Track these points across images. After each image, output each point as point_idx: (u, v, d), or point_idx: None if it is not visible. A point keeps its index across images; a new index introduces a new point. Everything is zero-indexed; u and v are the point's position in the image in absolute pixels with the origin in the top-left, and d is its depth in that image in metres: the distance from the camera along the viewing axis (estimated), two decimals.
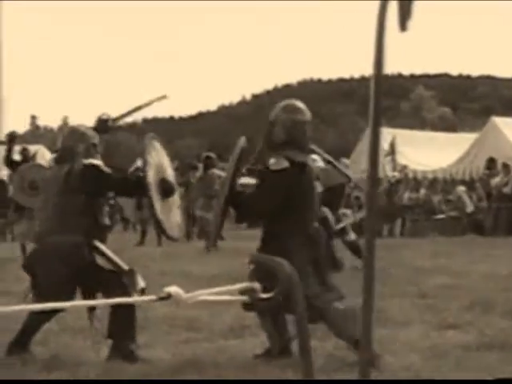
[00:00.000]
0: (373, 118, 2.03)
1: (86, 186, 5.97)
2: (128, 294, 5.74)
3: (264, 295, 2.49)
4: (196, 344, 6.03)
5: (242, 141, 5.92)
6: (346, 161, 16.84)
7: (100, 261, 5.92)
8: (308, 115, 6.07)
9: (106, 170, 6.14)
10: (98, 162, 6.18)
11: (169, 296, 2.40)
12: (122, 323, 5.85)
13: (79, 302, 5.54)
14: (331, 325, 5.75)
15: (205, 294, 2.62)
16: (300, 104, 6.11)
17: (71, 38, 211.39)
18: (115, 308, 5.78)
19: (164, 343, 6.18)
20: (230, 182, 5.83)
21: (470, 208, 21.67)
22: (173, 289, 2.40)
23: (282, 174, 5.68)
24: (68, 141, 6.28)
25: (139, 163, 7.02)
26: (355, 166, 27.77)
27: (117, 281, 5.88)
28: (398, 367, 5.24)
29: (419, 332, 6.61)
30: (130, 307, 5.81)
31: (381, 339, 5.61)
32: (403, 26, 1.97)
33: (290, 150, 5.80)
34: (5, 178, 19.28)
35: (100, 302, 5.82)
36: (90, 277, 5.89)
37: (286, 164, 5.70)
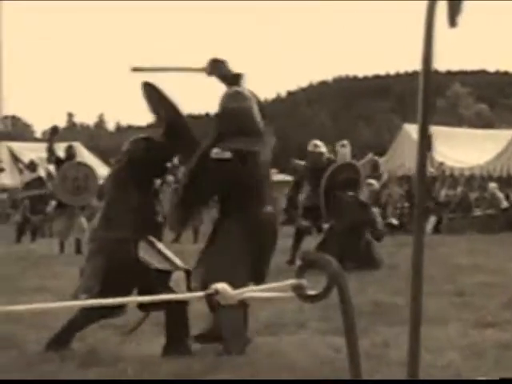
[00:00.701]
0: (421, 114, 2.00)
1: (134, 159, 6.02)
2: (172, 293, 5.78)
3: (311, 292, 2.48)
4: None
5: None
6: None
7: (148, 258, 5.93)
8: (254, 100, 6.05)
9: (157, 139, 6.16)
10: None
11: (216, 292, 2.39)
12: (177, 320, 5.89)
13: (125, 299, 5.54)
14: (217, 325, 5.89)
15: (252, 291, 2.61)
16: (244, 90, 6.08)
17: (96, 35, 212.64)
18: (169, 307, 5.82)
19: None
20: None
21: (504, 204, 21.52)
22: (220, 285, 2.39)
23: (223, 164, 5.73)
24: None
25: None
26: (391, 163, 27.71)
27: (162, 280, 5.90)
28: (438, 366, 5.19)
29: (457, 330, 6.56)
30: (183, 304, 5.84)
31: None
32: (453, 21, 1.95)
33: (236, 140, 5.82)
34: (43, 174, 19.45)
35: (150, 298, 5.82)
36: (136, 275, 5.90)
37: (227, 155, 5.74)
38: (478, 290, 8.92)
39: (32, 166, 19.67)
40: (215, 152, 5.77)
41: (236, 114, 5.89)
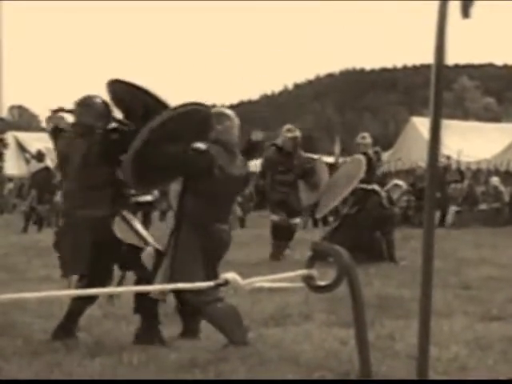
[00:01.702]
0: (433, 107, 1.99)
1: (108, 150, 6.02)
2: (145, 270, 5.88)
3: (322, 282, 2.48)
4: None
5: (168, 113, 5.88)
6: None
7: (122, 234, 5.98)
8: (236, 121, 6.25)
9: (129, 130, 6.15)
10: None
11: (226, 282, 2.39)
12: (150, 307, 6.02)
13: (131, 288, 5.56)
14: (211, 322, 5.95)
15: (262, 281, 2.61)
16: (227, 110, 6.42)
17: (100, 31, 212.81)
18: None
19: (205, 331, 6.18)
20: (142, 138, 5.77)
21: (506, 198, 21.57)
22: (230, 275, 2.40)
23: (202, 155, 5.84)
24: (85, 117, 6.25)
25: None
26: (397, 156, 27.68)
27: (134, 257, 5.95)
28: (444, 359, 5.19)
29: (463, 324, 6.56)
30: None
31: None
32: (466, 12, 1.94)
33: (213, 147, 5.96)
34: (50, 164, 19.48)
35: (159, 287, 5.82)
36: (112, 250, 5.97)
37: (204, 147, 5.86)
38: (483, 283, 8.92)
39: (39, 156, 19.70)
40: (196, 144, 5.89)
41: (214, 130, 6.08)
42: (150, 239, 6.14)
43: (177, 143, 5.80)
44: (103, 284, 5.95)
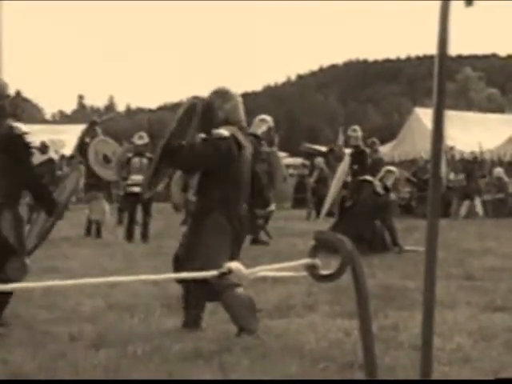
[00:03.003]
0: (436, 97, 1.99)
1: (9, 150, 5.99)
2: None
3: (325, 272, 2.47)
4: None
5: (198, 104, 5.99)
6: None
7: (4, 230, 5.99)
8: (239, 98, 6.25)
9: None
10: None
11: (230, 271, 2.38)
12: None
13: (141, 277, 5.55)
14: (226, 308, 5.91)
15: (265, 270, 2.60)
16: (231, 89, 6.31)
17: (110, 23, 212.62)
18: None
19: (210, 322, 6.19)
20: (171, 131, 5.88)
21: (510, 188, 21.58)
22: (234, 264, 2.39)
23: (222, 142, 5.85)
24: None
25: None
26: (402, 147, 27.65)
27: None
28: (447, 349, 5.19)
29: (466, 314, 6.56)
30: None
31: None
32: (469, 1, 1.94)
33: (228, 127, 5.96)
34: (54, 156, 19.51)
35: (164, 276, 5.83)
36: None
37: (227, 133, 5.86)
38: (487, 274, 8.92)
39: (43, 148, 19.71)
40: (215, 132, 5.90)
41: (222, 108, 6.07)
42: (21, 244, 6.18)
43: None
44: None
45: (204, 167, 5.99)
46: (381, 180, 12.42)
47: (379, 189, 12.13)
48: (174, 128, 5.88)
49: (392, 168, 13.34)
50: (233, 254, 5.87)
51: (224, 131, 5.88)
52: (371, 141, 17.81)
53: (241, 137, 6.00)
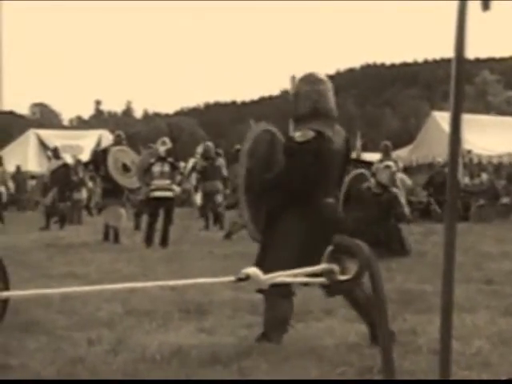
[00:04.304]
0: (454, 101, 1.98)
1: None
2: None
3: (342, 277, 2.47)
4: (259, 328, 6.02)
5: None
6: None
7: None
8: (329, 85, 5.95)
9: None
10: None
11: (247, 277, 2.37)
12: None
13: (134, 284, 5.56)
14: (266, 308, 5.80)
15: (283, 276, 2.59)
16: (321, 75, 6.03)
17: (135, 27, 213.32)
18: None
19: (228, 327, 6.19)
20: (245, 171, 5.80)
21: None
22: (251, 270, 2.38)
23: (309, 145, 5.58)
24: None
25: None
26: (419, 150, 27.57)
27: None
28: (466, 353, 5.17)
29: (485, 318, 6.52)
30: None
31: None
32: (486, 5, 1.93)
33: (315, 122, 5.71)
34: (70, 161, 19.63)
35: (181, 282, 5.85)
36: None
37: (311, 134, 5.59)
38: (506, 277, 8.88)
39: (55, 153, 19.88)
40: (298, 135, 5.65)
41: (309, 96, 5.81)
42: None
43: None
44: None
45: (297, 178, 5.64)
46: (373, 176, 12.35)
47: (376, 189, 12.03)
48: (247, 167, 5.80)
49: (389, 163, 13.19)
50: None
51: (309, 132, 5.62)
52: (383, 144, 17.78)
53: (328, 130, 5.73)
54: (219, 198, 18.18)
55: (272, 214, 5.77)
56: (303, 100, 5.83)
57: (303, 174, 5.58)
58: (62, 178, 18.80)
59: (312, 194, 5.68)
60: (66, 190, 19.04)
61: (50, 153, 23.63)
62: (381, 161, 15.28)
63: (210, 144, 19.09)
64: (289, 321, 5.83)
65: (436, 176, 22.05)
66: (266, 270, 4.21)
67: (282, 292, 5.57)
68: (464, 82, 2.12)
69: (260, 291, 5.77)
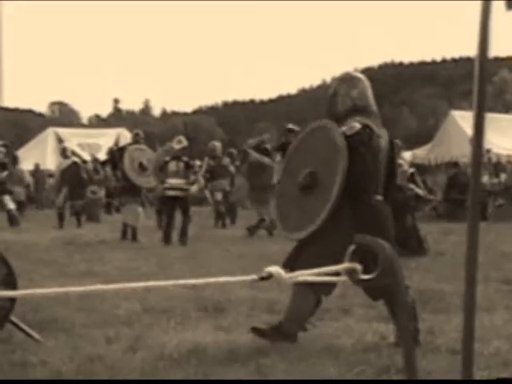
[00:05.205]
0: (477, 100, 1.98)
1: None
2: None
3: (365, 276, 2.47)
4: None
5: None
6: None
7: None
8: (367, 83, 6.01)
9: None
10: None
11: (270, 276, 2.38)
12: None
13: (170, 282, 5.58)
14: (291, 301, 5.78)
15: (305, 275, 2.60)
16: (358, 73, 6.16)
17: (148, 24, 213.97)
18: None
19: (245, 325, 6.20)
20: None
21: None
22: (274, 268, 2.39)
23: (359, 136, 5.54)
24: None
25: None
26: (437, 150, 27.49)
27: None
28: (485, 354, 5.15)
29: (505, 318, 6.51)
30: None
31: None
32: (510, 5, 1.93)
33: (358, 116, 5.70)
34: (88, 158, 19.75)
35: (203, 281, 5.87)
36: None
37: (358, 126, 5.55)
38: None
39: (63, 152, 20.04)
40: (344, 129, 5.58)
41: (349, 95, 5.86)
42: None
43: None
44: None
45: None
46: None
47: None
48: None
49: (400, 161, 13.16)
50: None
51: (355, 124, 5.57)
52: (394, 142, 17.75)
53: (372, 123, 5.71)
54: (219, 196, 18.42)
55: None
56: (342, 98, 5.87)
57: (356, 169, 5.51)
58: (73, 176, 18.87)
59: (364, 191, 5.65)
60: (78, 188, 19.09)
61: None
62: None
63: (216, 143, 19.30)
64: (308, 320, 5.84)
65: (460, 176, 21.92)
66: (301, 267, 4.07)
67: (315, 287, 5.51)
68: (486, 81, 2.12)
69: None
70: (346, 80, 5.96)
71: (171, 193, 13.87)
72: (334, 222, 5.52)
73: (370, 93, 5.97)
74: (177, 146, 14.15)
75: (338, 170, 5.50)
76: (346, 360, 5.16)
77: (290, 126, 14.68)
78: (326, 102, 6.08)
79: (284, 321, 5.74)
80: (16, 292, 5.19)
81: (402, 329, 2.53)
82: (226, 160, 19.12)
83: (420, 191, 13.14)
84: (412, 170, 14.23)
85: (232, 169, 19.05)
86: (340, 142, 5.53)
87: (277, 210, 6.13)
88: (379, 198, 5.77)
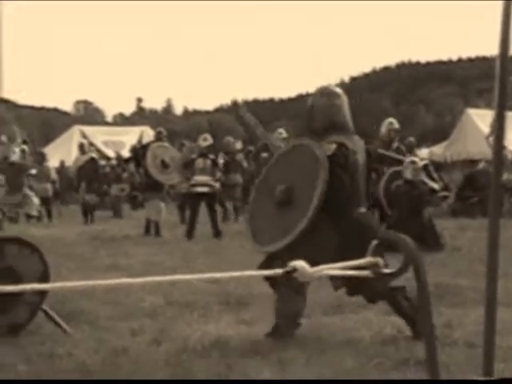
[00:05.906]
0: (498, 98, 2.07)
1: None
2: None
3: (387, 270, 2.54)
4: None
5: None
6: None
7: None
8: (345, 99, 5.98)
9: None
10: None
11: (294, 270, 2.44)
12: None
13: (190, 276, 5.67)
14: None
15: (329, 269, 2.65)
16: (336, 88, 6.10)
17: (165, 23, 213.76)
18: None
19: (267, 319, 6.29)
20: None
21: None
22: (298, 263, 2.44)
23: (335, 158, 5.55)
24: None
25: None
26: (454, 147, 27.45)
27: None
28: (504, 347, 5.17)
29: None
30: None
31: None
32: None
33: (334, 135, 5.71)
34: (95, 155, 19.93)
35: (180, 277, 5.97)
36: None
37: (334, 146, 5.58)
38: None
39: (81, 149, 20.18)
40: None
41: (326, 110, 5.85)
42: None
43: None
44: None
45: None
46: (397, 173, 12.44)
47: (405, 187, 12.06)
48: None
49: (415, 159, 13.18)
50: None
51: (330, 146, 5.61)
52: (408, 140, 17.76)
53: (348, 141, 5.72)
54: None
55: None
56: (319, 113, 5.87)
57: (335, 187, 5.53)
58: (90, 172, 18.99)
59: (344, 206, 5.64)
60: (95, 184, 19.18)
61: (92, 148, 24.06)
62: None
63: (230, 139, 19.45)
64: (300, 316, 5.91)
65: (477, 174, 21.82)
66: None
67: (296, 288, 5.63)
68: (507, 79, 2.19)
69: (272, 286, 5.89)
70: (324, 94, 5.93)
71: (198, 189, 14.10)
72: (314, 233, 5.52)
73: (346, 108, 5.95)
74: (203, 144, 14.36)
75: (319, 181, 5.51)
76: (364, 352, 5.24)
77: None
78: (304, 114, 6.08)
79: (278, 325, 5.84)
80: (48, 285, 5.31)
81: (424, 321, 2.62)
82: (240, 156, 19.28)
83: (435, 185, 13.11)
84: (425, 162, 14.17)
85: (245, 164, 19.26)
86: (320, 154, 5.57)
87: (250, 225, 6.07)
88: (362, 210, 5.80)
